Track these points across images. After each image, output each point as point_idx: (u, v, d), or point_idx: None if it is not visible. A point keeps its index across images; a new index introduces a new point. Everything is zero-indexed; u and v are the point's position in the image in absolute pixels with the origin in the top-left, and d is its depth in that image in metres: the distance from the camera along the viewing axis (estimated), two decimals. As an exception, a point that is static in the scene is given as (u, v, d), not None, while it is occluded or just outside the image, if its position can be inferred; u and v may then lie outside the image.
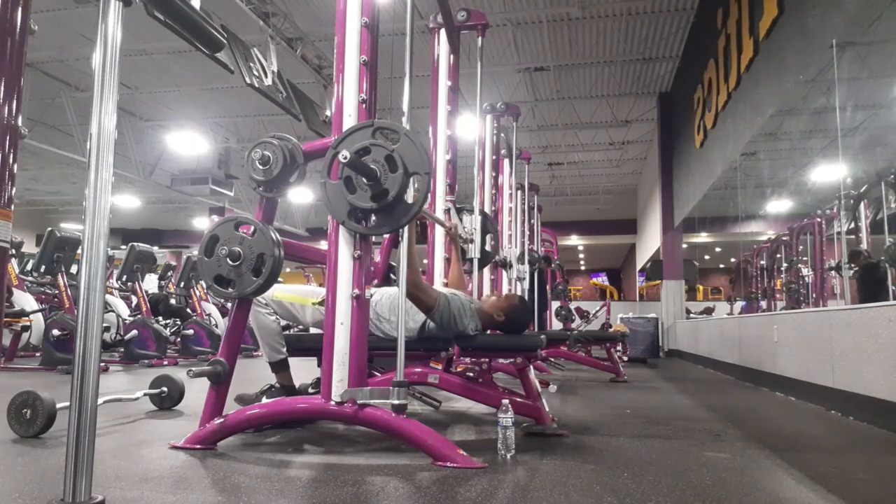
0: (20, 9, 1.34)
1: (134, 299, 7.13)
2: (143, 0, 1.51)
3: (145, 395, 3.17)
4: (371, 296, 2.27)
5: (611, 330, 9.58)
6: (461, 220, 3.66)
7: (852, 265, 6.22)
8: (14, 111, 1.33)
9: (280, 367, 2.83)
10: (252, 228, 2.33)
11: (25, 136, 1.38)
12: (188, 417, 2.99)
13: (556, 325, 10.36)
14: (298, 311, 2.83)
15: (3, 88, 1.31)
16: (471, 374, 2.94)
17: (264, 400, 2.69)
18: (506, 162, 5.97)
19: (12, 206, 1.33)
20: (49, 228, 5.87)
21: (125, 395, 3.02)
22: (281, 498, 1.68)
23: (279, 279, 2.48)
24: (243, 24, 8.04)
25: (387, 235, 3.39)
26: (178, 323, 7.63)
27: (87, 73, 10.00)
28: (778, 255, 9.98)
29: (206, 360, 4.12)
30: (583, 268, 29.50)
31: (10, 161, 1.32)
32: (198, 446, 2.23)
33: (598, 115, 12.10)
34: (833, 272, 7.51)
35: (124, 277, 6.85)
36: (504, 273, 5.29)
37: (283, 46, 8.56)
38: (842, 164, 6.65)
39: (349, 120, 2.25)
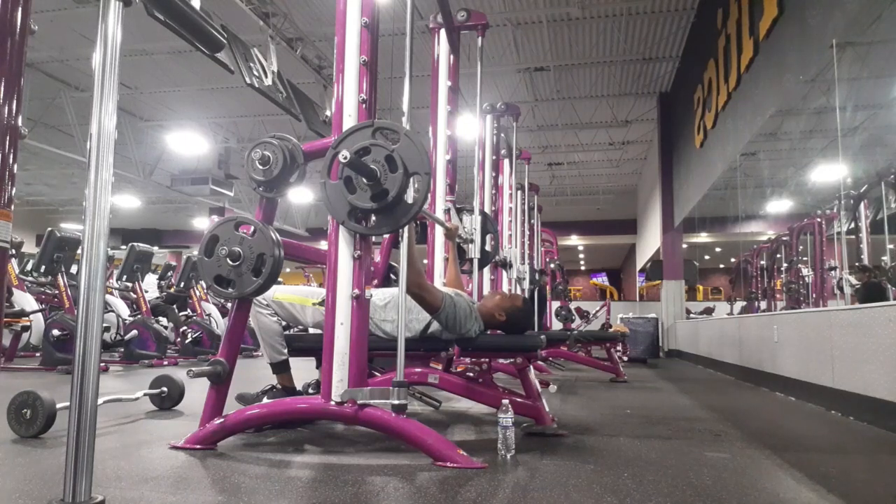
0: (20, 9, 1.34)
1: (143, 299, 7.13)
2: (143, 0, 1.51)
3: (145, 395, 3.17)
4: (371, 296, 2.27)
5: (611, 330, 9.58)
6: (461, 220, 3.66)
7: (856, 279, 6.20)
8: (14, 111, 1.33)
9: (281, 369, 2.83)
10: (252, 228, 2.33)
11: (25, 136, 1.38)
12: (188, 417, 2.99)
13: (556, 325, 10.37)
14: (299, 311, 2.83)
15: (3, 88, 1.30)
16: (471, 374, 2.94)
17: (265, 400, 2.69)
18: (506, 162, 5.97)
19: (12, 206, 1.33)
20: (49, 228, 5.86)
21: (125, 395, 3.02)
22: (281, 498, 1.68)
23: (279, 279, 2.48)
24: (243, 24, 8.04)
25: (387, 235, 3.39)
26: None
27: (87, 73, 9.99)
28: (778, 256, 9.98)
29: (206, 360, 4.12)
30: (583, 268, 29.50)
31: (10, 161, 1.32)
32: (198, 446, 2.23)
33: (598, 115, 12.10)
34: (832, 272, 7.51)
35: (125, 277, 6.85)
36: (504, 273, 5.30)
37: (283, 46, 8.56)
38: (842, 164, 6.65)
39: (349, 120, 2.25)
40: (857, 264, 6.38)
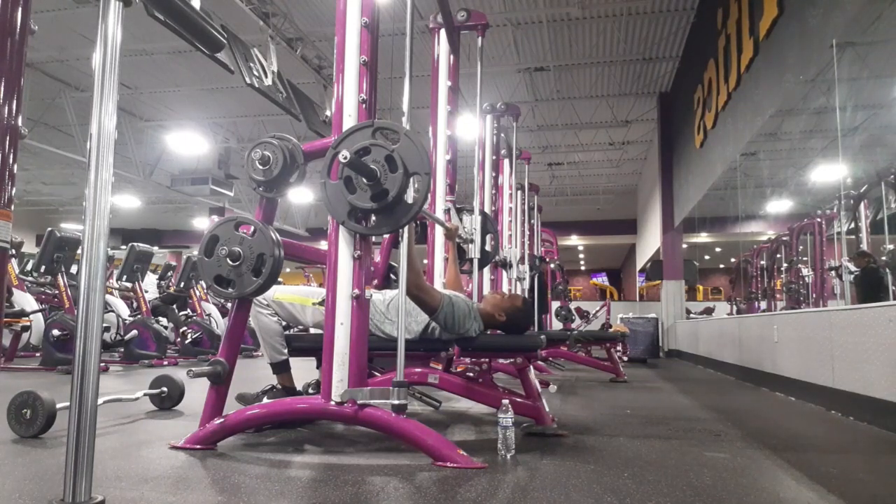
0: (20, 9, 1.34)
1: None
2: (143, 0, 1.51)
3: (145, 395, 3.16)
4: (370, 296, 2.27)
5: (611, 330, 9.59)
6: (461, 220, 3.66)
7: (855, 265, 6.20)
8: (14, 111, 1.33)
9: (281, 369, 2.83)
10: (252, 228, 2.33)
11: (25, 136, 1.38)
12: (188, 417, 2.99)
13: (556, 325, 10.37)
14: (299, 311, 2.83)
15: (3, 88, 1.31)
16: (471, 374, 2.94)
17: (265, 400, 2.69)
18: (506, 162, 5.98)
19: (12, 206, 1.34)
20: (49, 228, 5.86)
21: (125, 395, 3.01)
22: (281, 498, 1.68)
23: (279, 279, 2.48)
24: (243, 24, 8.04)
25: (387, 236, 3.39)
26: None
27: (87, 73, 9.99)
28: (778, 256, 9.98)
29: (206, 360, 4.11)
30: (583, 268, 29.50)
31: (10, 161, 1.32)
32: (198, 446, 2.23)
33: (598, 115, 12.10)
34: (833, 272, 7.51)
35: (125, 277, 6.85)
36: (504, 273, 5.29)
37: (283, 46, 8.56)
38: (842, 164, 6.66)
39: (349, 120, 2.25)
40: (856, 251, 6.37)
